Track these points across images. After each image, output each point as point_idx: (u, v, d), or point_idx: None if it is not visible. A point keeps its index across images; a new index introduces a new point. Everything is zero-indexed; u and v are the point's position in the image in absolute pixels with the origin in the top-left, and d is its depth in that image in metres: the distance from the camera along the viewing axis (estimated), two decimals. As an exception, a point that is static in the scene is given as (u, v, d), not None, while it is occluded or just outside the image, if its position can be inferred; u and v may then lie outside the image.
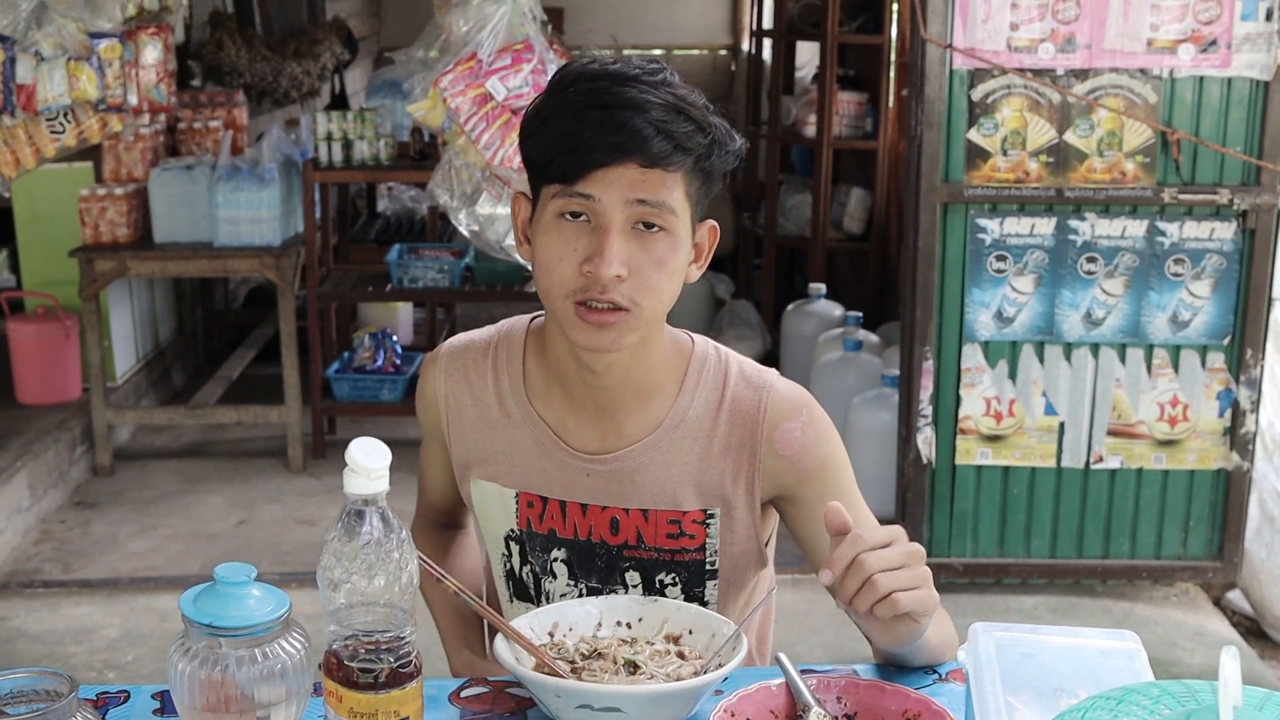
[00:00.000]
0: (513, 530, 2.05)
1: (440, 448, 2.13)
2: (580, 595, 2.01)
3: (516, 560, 2.07)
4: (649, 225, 1.81)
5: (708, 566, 2.00)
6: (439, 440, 2.11)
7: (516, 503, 2.03)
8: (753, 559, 2.04)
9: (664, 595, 2.00)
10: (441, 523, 2.27)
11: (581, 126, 1.77)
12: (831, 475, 1.98)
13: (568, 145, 1.78)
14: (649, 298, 1.83)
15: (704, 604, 2.01)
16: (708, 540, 1.99)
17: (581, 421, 1.99)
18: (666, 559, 1.99)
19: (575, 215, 1.81)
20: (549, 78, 1.93)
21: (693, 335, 2.05)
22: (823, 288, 6.96)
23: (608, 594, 1.99)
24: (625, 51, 15.16)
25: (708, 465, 1.97)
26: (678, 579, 2.00)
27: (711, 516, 1.98)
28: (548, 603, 2.03)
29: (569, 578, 2.03)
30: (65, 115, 4.85)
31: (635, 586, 2.01)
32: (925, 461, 4.59)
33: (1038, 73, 4.33)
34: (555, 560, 2.03)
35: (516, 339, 2.06)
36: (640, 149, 1.76)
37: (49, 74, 4.66)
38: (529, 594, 2.07)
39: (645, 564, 2.00)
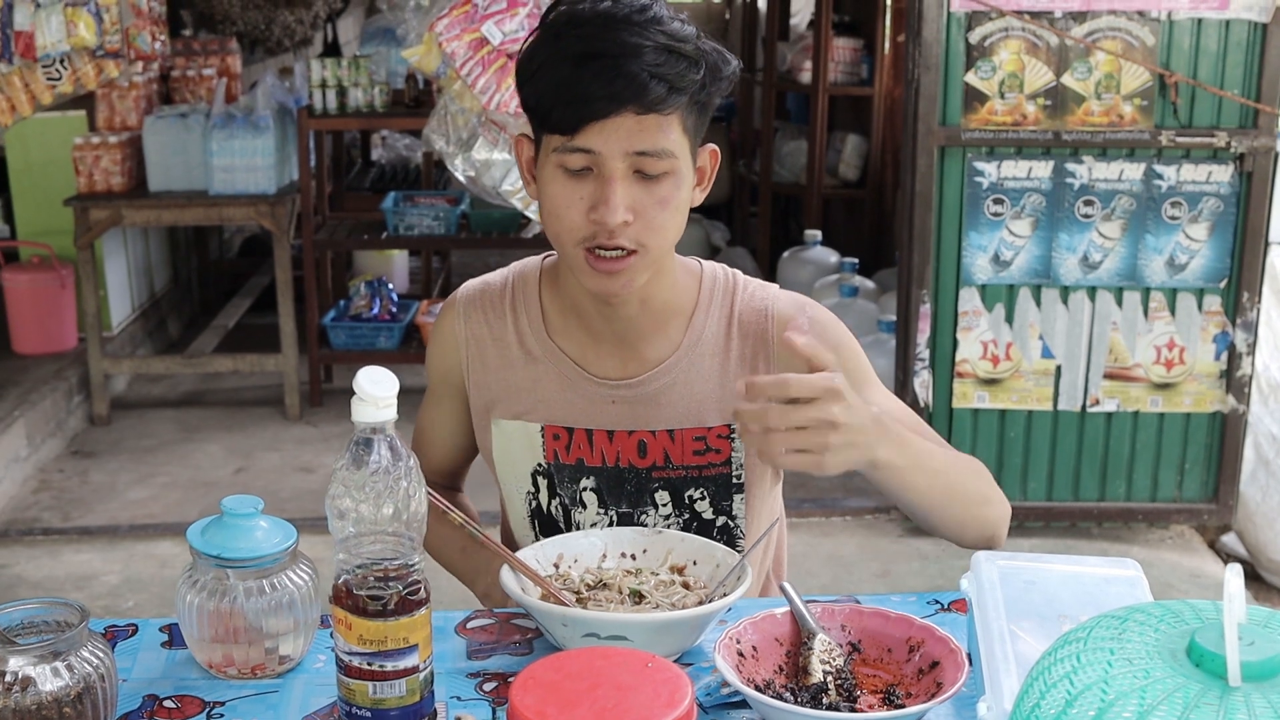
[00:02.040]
0: (540, 465, 2.07)
1: (452, 398, 2.13)
2: (611, 522, 2.05)
3: (545, 495, 2.09)
4: (650, 172, 1.83)
5: (734, 480, 2.05)
6: (453, 388, 2.13)
7: (542, 436, 2.05)
8: (772, 471, 2.09)
9: (694, 510, 2.04)
10: (439, 484, 2.27)
11: (575, 76, 1.78)
12: (847, 360, 2.00)
13: (562, 97, 1.79)
14: (655, 237, 1.87)
15: (732, 517, 2.06)
16: (733, 454, 2.03)
17: (602, 351, 2.03)
18: (695, 475, 2.04)
19: (577, 167, 1.83)
20: None
21: (700, 260, 2.09)
22: (818, 234, 6.95)
23: (639, 517, 2.04)
24: None
25: (726, 379, 2.02)
26: (706, 493, 2.04)
27: (735, 431, 2.02)
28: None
29: (599, 506, 2.06)
30: (62, 62, 4.83)
31: (665, 505, 2.04)
32: (922, 405, 4.60)
33: (1036, 15, 4.31)
34: (584, 490, 2.06)
35: (531, 278, 2.09)
36: (635, 97, 1.77)
37: (46, 20, 4.64)
38: (557, 528, 2.09)
39: (674, 483, 2.04)
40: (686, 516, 2.05)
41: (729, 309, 2.05)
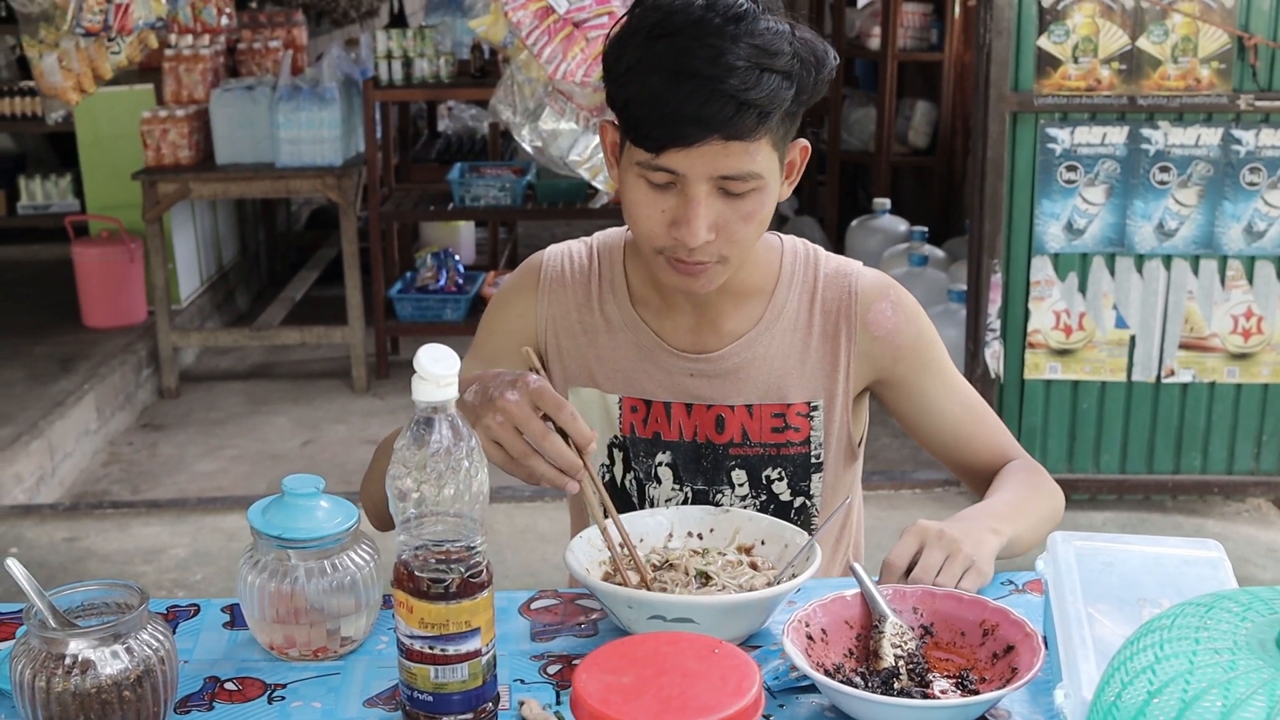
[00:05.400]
0: (616, 437, 2.05)
1: (509, 362, 2.08)
2: (686, 499, 2.03)
3: (620, 469, 2.06)
4: (735, 191, 1.79)
5: (813, 460, 2.02)
6: (514, 354, 2.07)
7: (620, 408, 2.03)
8: (848, 452, 2.07)
9: (772, 490, 2.02)
10: None
11: (663, 95, 1.72)
12: (925, 349, 2.02)
13: (649, 114, 1.75)
14: (737, 249, 1.85)
15: (809, 498, 2.04)
16: (812, 433, 2.01)
17: (682, 324, 2.01)
18: (772, 454, 2.01)
19: (660, 183, 1.80)
20: None
21: (780, 234, 2.06)
22: (887, 203, 6.88)
23: (714, 495, 2.02)
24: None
25: (807, 356, 2.00)
26: (784, 474, 2.02)
27: (815, 408, 2.01)
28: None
29: (674, 481, 2.04)
30: (120, 34, 4.81)
31: (741, 485, 2.02)
32: (994, 376, 4.54)
33: (1110, -22, 4.23)
34: (660, 465, 2.04)
35: (616, 249, 2.07)
36: (720, 127, 1.72)
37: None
38: (630, 504, 2.06)
39: (751, 461, 2.02)
40: (764, 498, 2.03)
41: (812, 285, 2.02)
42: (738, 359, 1.99)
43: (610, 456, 2.07)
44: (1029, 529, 1.88)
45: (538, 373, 1.72)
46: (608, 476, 2.07)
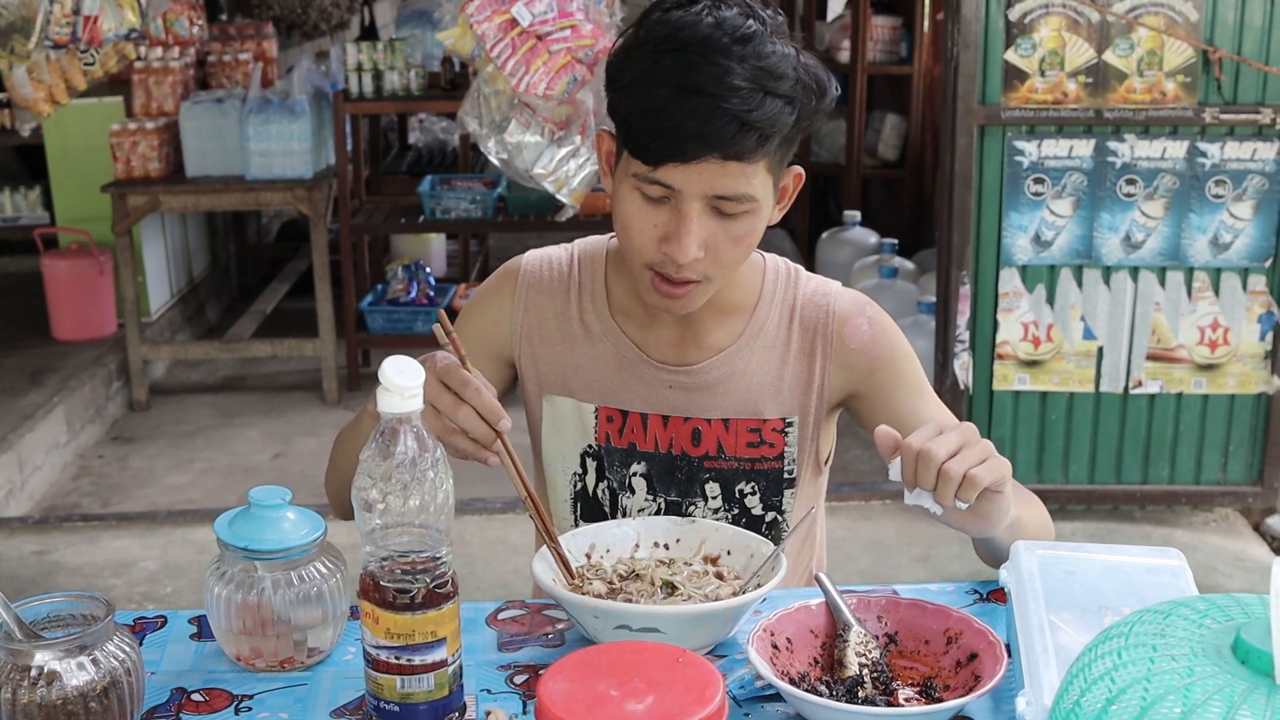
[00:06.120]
0: (590, 446, 2.06)
1: (488, 361, 2.06)
2: (659, 510, 2.04)
3: (592, 477, 2.07)
4: (729, 211, 1.80)
5: (785, 475, 2.03)
6: (488, 354, 2.06)
7: (596, 417, 2.04)
8: (814, 466, 2.08)
9: (744, 504, 2.03)
10: None
11: (665, 109, 1.73)
12: (901, 362, 2.02)
13: (649, 127, 1.75)
14: (724, 270, 1.87)
15: (780, 512, 2.05)
16: (786, 449, 2.02)
17: (663, 336, 2.02)
18: (747, 468, 2.02)
19: (655, 197, 1.80)
20: (574, 5, 1.89)
21: (763, 252, 2.07)
22: (857, 215, 6.90)
23: (687, 507, 2.02)
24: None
25: (784, 373, 2.01)
26: (757, 488, 2.03)
27: (790, 424, 2.02)
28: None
29: (648, 492, 2.05)
30: (90, 46, 4.80)
31: (715, 498, 2.03)
32: (962, 387, 4.56)
33: (1076, -9, 4.26)
34: (634, 475, 2.04)
35: (598, 257, 2.08)
36: (722, 145, 1.73)
37: (108, 4, 4.61)
38: (602, 513, 2.07)
39: (725, 474, 2.03)
40: (736, 511, 2.03)
41: (791, 303, 2.03)
42: (717, 373, 2.00)
43: (583, 465, 2.07)
44: (1030, 518, 1.85)
45: (446, 347, 1.72)
46: (580, 485, 2.07)
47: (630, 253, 1.87)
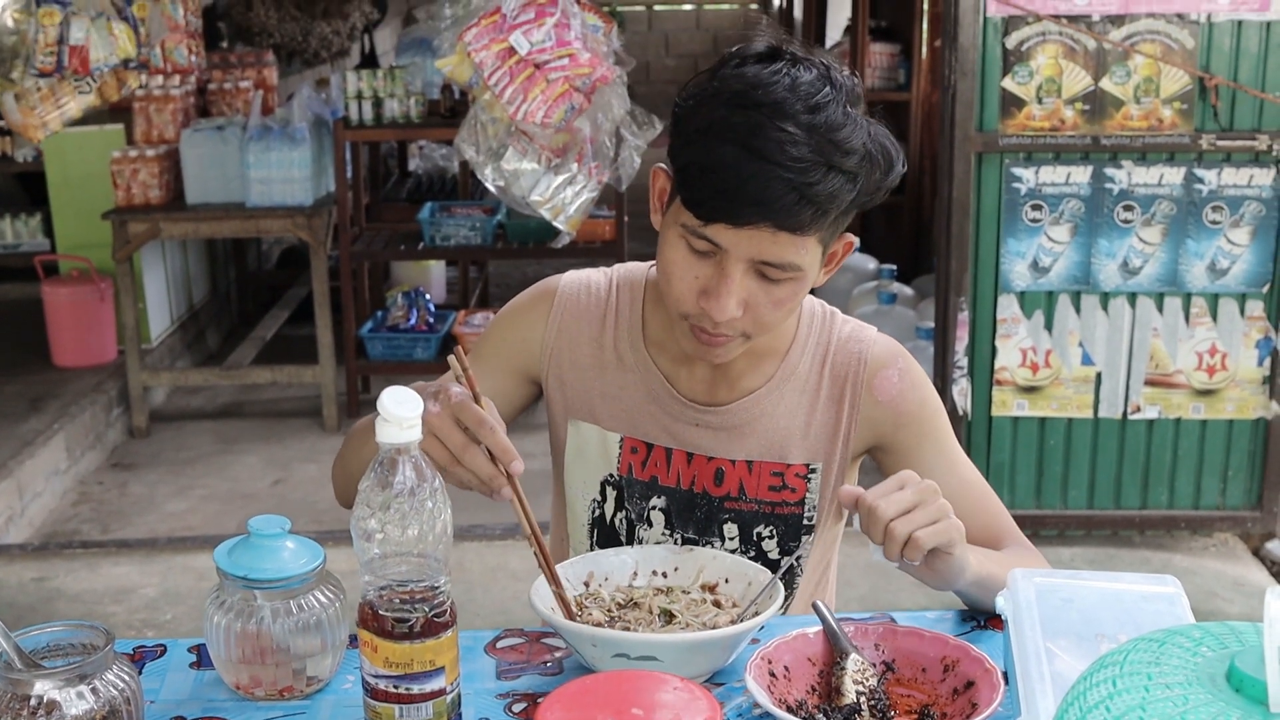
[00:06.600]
0: (611, 475, 2.04)
1: (506, 375, 2.05)
2: (676, 545, 2.00)
3: (611, 506, 2.05)
4: (773, 277, 1.78)
5: (805, 521, 2.01)
6: (515, 371, 2.05)
7: (620, 447, 2.03)
8: (836, 513, 2.07)
9: (760, 548, 2.01)
10: None
11: (725, 168, 1.70)
12: (929, 419, 2.00)
13: (707, 183, 1.72)
14: (762, 330, 1.85)
15: (798, 559, 2.03)
16: (808, 495, 2.00)
17: (695, 373, 2.00)
18: (767, 511, 2.01)
19: (701, 250, 1.78)
20: (571, 34, 1.88)
21: None
22: (857, 241, 6.89)
23: (704, 545, 1.99)
24: (657, 8, 15.06)
25: (813, 419, 1.99)
26: (775, 531, 2.01)
27: (813, 471, 2.00)
28: None
29: (665, 526, 2.03)
30: (79, 75, 4.83)
31: (732, 539, 2.01)
32: (961, 413, 4.57)
33: (1073, 19, 4.28)
34: (654, 508, 2.03)
35: (637, 286, 2.06)
36: (775, 215, 1.70)
37: (99, 34, 4.64)
38: (619, 542, 2.05)
39: (744, 516, 2.01)
40: (752, 554, 2.01)
41: (825, 347, 2.01)
42: (746, 414, 1.99)
43: (603, 493, 2.05)
44: (1004, 574, 1.81)
45: (461, 382, 1.68)
46: (598, 512, 2.06)
47: (669, 299, 1.84)
